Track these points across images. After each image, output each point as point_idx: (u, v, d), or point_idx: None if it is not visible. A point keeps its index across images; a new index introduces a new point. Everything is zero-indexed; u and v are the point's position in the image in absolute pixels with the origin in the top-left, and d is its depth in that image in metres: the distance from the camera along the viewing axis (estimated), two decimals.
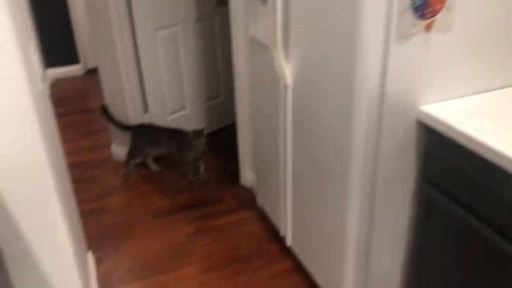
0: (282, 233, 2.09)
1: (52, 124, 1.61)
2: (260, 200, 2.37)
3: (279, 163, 1.95)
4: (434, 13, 1.26)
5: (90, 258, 2.04)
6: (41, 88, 1.42)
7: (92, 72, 4.68)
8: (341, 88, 1.40)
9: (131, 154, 2.86)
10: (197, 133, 2.66)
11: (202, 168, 2.77)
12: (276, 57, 1.70)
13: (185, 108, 3.11)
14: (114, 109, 2.89)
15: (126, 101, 2.83)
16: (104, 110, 2.86)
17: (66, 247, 1.39)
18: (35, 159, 1.23)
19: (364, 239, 1.55)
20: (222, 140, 3.28)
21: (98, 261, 2.15)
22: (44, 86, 1.55)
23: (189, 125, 2.93)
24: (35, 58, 1.45)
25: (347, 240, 1.56)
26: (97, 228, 2.38)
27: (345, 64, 1.35)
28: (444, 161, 1.36)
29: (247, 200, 2.57)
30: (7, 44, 1.12)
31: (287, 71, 1.70)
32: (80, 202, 2.61)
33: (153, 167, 2.91)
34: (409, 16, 1.25)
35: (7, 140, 1.18)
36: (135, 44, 2.72)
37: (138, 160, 2.94)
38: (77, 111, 3.84)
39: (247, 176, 2.66)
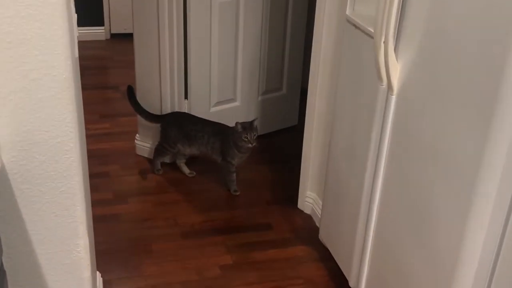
0: (352, 284, 2.02)
1: (80, 99, 1.59)
2: (324, 235, 2.30)
3: (362, 191, 1.88)
4: None
5: (99, 280, 2.03)
6: (77, 54, 1.41)
7: (117, 38, 4.74)
8: (474, 111, 1.31)
9: (159, 150, 2.86)
10: (247, 126, 2.60)
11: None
12: (383, 50, 1.63)
13: (235, 99, 3.09)
14: (145, 91, 2.89)
15: (162, 82, 2.82)
16: (131, 92, 2.87)
17: (83, 268, 1.37)
18: (65, 141, 1.25)
19: None
20: (279, 146, 3.23)
21: (106, 286, 2.14)
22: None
23: (236, 121, 2.89)
24: (74, 15, 1.44)
25: None
26: (108, 241, 2.38)
27: (486, 77, 1.27)
28: None
29: (305, 230, 2.51)
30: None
31: (394, 70, 1.63)
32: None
33: (186, 170, 2.89)
34: None
35: (37, 116, 1.21)
36: (184, 9, 2.71)
37: (166, 159, 2.94)
38: (94, 86, 3.88)
39: (308, 199, 2.61)
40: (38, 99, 1.18)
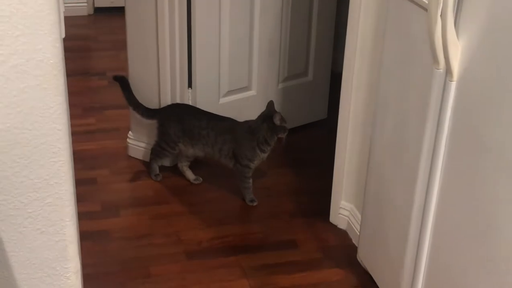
0: None
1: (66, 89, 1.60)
2: (364, 255, 2.30)
3: (413, 201, 1.88)
4: None
5: None
6: (64, 34, 1.41)
7: (102, 14, 4.76)
8: None
9: (156, 151, 2.87)
10: (282, 116, 2.65)
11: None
12: (439, 25, 1.62)
13: (250, 87, 3.09)
14: (139, 78, 2.90)
15: (161, 67, 2.83)
16: (124, 83, 2.88)
17: None
18: (53, 142, 1.26)
19: None
20: (304, 144, 3.23)
21: None
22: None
23: (251, 115, 2.89)
24: None
25: None
26: (96, 264, 2.38)
27: None
28: None
29: (339, 250, 2.51)
30: None
31: (454, 51, 1.62)
32: None
33: (190, 175, 2.90)
34: None
35: (19, 110, 1.21)
36: None
37: (166, 162, 2.94)
38: (75, 72, 3.89)
39: (343, 211, 2.61)
40: (20, 90, 1.18)
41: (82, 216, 2.63)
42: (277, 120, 2.65)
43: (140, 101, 2.87)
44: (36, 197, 1.27)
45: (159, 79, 2.86)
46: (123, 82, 2.87)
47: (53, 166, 1.25)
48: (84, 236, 2.51)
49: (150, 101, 2.89)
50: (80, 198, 2.72)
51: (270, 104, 2.71)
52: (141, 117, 2.89)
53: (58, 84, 1.20)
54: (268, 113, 2.69)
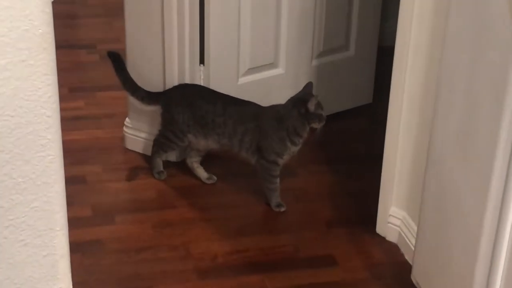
0: None
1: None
2: (420, 274, 2.29)
3: (485, 209, 1.86)
4: None
5: None
6: None
7: None
8: None
9: (161, 143, 2.88)
10: (319, 102, 2.65)
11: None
12: None
13: (277, 64, 3.10)
14: (140, 53, 2.91)
15: (166, 39, 2.83)
16: (118, 61, 2.88)
17: None
18: (40, 131, 1.26)
19: None
20: (344, 136, 3.24)
21: None
22: None
23: (278, 98, 2.89)
24: None
25: None
26: (87, 282, 2.39)
27: None
28: None
29: (389, 267, 2.52)
30: None
31: None
32: None
33: (202, 173, 2.91)
34: None
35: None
36: None
37: (172, 156, 2.96)
38: (59, 44, 3.86)
39: (393, 219, 2.60)
40: (1, 67, 1.18)
41: (69, 223, 2.65)
42: (311, 106, 2.63)
43: (140, 81, 2.86)
44: (20, 200, 1.27)
45: (164, 53, 2.86)
46: (117, 61, 2.86)
47: (41, 162, 1.25)
48: (71, 248, 2.53)
49: (153, 81, 2.89)
50: (66, 200, 2.75)
51: (308, 86, 2.70)
52: (141, 103, 2.89)
53: (48, 60, 1.20)
54: (302, 96, 2.68)
